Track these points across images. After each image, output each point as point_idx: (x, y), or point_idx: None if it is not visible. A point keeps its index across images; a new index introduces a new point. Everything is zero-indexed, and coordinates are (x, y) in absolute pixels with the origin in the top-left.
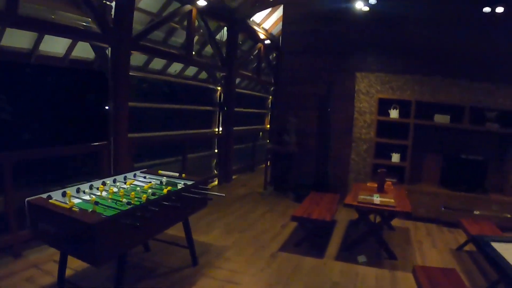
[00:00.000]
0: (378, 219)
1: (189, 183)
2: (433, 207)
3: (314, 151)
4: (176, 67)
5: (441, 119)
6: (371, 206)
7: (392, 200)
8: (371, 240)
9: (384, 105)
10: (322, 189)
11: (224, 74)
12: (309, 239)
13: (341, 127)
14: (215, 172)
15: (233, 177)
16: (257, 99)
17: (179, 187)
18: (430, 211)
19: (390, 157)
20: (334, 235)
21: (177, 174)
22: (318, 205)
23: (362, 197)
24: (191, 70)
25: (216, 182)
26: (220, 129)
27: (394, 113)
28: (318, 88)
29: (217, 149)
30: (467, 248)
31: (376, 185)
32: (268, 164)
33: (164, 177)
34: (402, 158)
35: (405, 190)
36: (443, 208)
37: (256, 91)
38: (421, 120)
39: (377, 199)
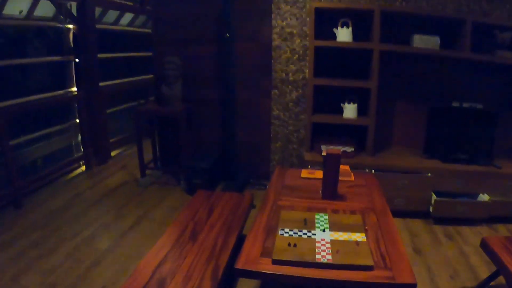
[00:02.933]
0: None
1: None
2: (417, 193)
3: (214, 109)
4: (20, 6)
5: (424, 42)
6: (311, 278)
7: (366, 250)
8: None
9: (325, 21)
10: (228, 176)
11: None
12: None
13: (252, 64)
14: (82, 150)
15: (113, 153)
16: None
17: None
18: (411, 200)
19: (341, 111)
20: None
21: None
22: (196, 240)
23: (285, 233)
24: (46, 9)
25: (83, 167)
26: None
27: (343, 34)
28: (212, 4)
29: (78, 118)
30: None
31: (318, 174)
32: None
33: None
34: (361, 111)
35: (372, 171)
36: (434, 196)
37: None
38: (392, 45)
39: (324, 243)
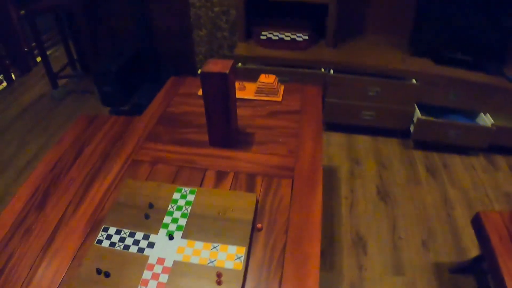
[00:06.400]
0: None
1: None
2: (394, 106)
3: None
4: None
5: None
6: None
7: None
8: None
9: None
10: (150, 77)
11: None
12: None
13: None
14: None
15: (39, 58)
16: None
17: None
18: (386, 115)
19: None
20: None
21: None
22: (42, 210)
23: (106, 239)
24: None
25: (4, 84)
26: None
27: None
28: None
29: None
30: None
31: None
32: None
33: None
34: None
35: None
36: (418, 113)
37: None
38: None
39: (159, 269)
